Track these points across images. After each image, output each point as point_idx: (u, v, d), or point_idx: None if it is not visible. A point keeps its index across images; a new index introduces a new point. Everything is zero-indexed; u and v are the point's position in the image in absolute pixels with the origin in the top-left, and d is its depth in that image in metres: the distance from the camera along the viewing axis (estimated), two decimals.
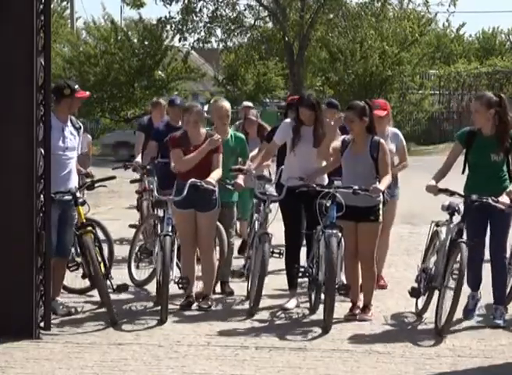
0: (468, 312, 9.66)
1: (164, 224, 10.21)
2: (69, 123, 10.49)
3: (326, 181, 10.76)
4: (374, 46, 43.04)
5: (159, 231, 10.84)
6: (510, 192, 9.16)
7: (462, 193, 9.49)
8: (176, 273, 10.81)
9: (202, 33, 45.15)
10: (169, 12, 43.33)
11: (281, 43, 42.92)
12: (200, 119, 10.79)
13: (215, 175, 10.43)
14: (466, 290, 9.65)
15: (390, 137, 11.59)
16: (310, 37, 42.37)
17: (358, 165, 10.18)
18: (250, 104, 16.23)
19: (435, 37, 47.44)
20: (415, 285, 9.54)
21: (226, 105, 11.68)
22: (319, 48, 43.86)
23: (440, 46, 47.99)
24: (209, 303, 10.45)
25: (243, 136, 12.03)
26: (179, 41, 44.76)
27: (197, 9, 43.68)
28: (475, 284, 9.74)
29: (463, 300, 9.48)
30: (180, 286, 10.59)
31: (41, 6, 9.43)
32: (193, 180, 10.12)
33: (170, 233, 9.97)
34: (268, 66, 43.60)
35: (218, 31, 45.20)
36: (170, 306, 10.08)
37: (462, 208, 9.53)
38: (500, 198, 9.02)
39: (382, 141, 10.34)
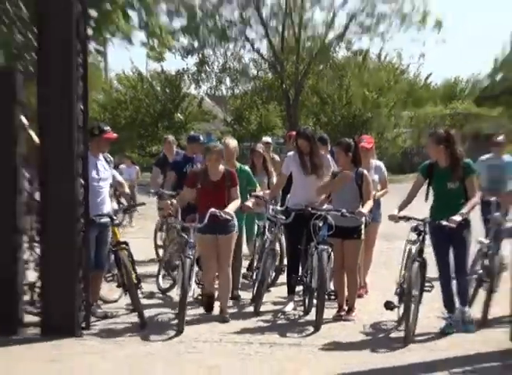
0: (444, 330, 9.35)
1: (186, 247, 10.01)
2: (101, 158, 10.57)
3: (320, 202, 10.62)
4: (356, 92, 43.02)
5: (183, 253, 10.44)
6: (462, 214, 8.97)
7: (418, 218, 9.35)
8: (196, 290, 10.72)
9: (213, 82, 45.31)
10: (186, 65, 43.54)
11: (279, 90, 42.90)
12: (220, 158, 10.19)
13: (233, 206, 10.06)
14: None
15: (374, 169, 11.54)
16: (303, 85, 42.34)
17: (345, 192, 10.17)
18: (267, 139, 15.94)
19: (407, 84, 47.25)
20: (393, 298, 9.34)
21: (232, 143, 11.32)
22: (311, 94, 43.82)
23: (411, 92, 47.90)
24: (226, 316, 10.06)
25: (247, 168, 11.63)
26: (195, 88, 44.92)
27: (210, 62, 43.81)
28: (448, 304, 9.48)
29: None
30: (198, 302, 10.61)
31: (80, 61, 9.57)
32: (213, 210, 9.76)
33: (191, 256, 9.82)
34: (268, 109, 43.55)
35: (227, 80, 45.38)
36: (191, 312, 10.10)
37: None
38: (451, 218, 8.91)
39: (365, 172, 10.35)
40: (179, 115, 41.26)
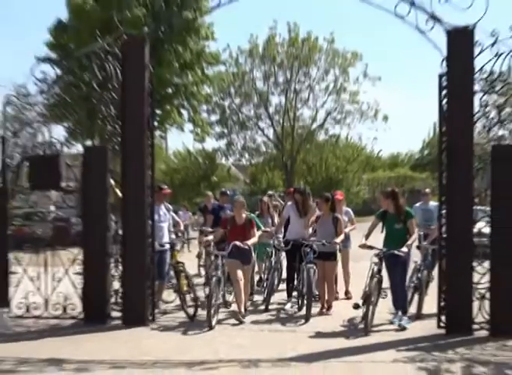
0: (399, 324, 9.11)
1: (215, 269, 9.87)
2: (162, 207, 10.58)
3: (309, 237, 10.72)
4: (332, 163, 43.22)
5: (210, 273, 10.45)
6: (407, 245, 9.06)
7: (379, 248, 9.33)
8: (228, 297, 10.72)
9: (237, 156, 45.52)
10: (219, 144, 43.72)
11: (281, 161, 43.05)
12: (242, 207, 10.07)
13: (251, 241, 9.81)
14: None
15: (345, 213, 11.68)
16: (296, 158, 42.55)
17: (326, 229, 10.31)
18: (270, 192, 15.78)
19: (365, 157, 47.34)
20: (359, 301, 9.17)
21: (240, 199, 10.63)
22: (302, 164, 43.97)
23: (368, 162, 47.96)
24: (242, 317, 9.56)
25: (253, 215, 11.11)
26: (225, 160, 45.13)
27: (234, 143, 44.02)
28: (395, 304, 9.39)
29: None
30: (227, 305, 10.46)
31: (149, 143, 9.63)
32: (236, 242, 9.59)
33: (219, 275, 9.61)
34: (273, 174, 43.67)
35: (246, 155, 45.56)
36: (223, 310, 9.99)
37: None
38: (401, 249, 9.00)
39: (339, 216, 10.55)
40: (214, 177, 41.40)
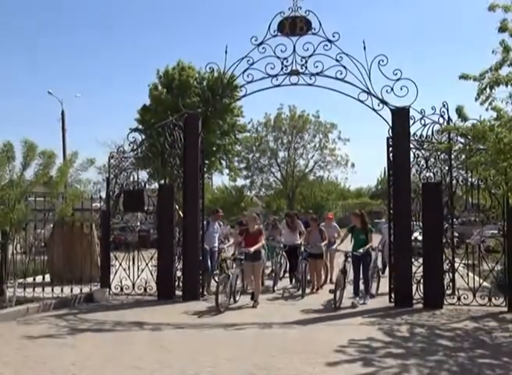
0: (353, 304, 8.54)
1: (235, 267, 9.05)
2: (216, 223, 10.40)
3: (298, 242, 10.48)
4: (318, 194, 43.00)
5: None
6: (363, 249, 8.57)
7: (345, 250, 8.99)
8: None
9: (257, 190, 45.35)
10: (246, 182, 43.50)
11: (285, 193, 42.93)
12: (254, 221, 8.99)
13: (257, 246, 8.56)
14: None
15: (333, 227, 11.13)
16: (295, 191, 42.48)
17: (315, 237, 10.00)
18: (274, 217, 14.27)
19: (340, 190, 47.11)
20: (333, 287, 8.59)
21: (252, 215, 9.86)
22: (299, 195, 43.73)
23: (342, 194, 47.63)
24: (257, 304, 8.59)
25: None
26: (249, 192, 44.87)
27: (255, 182, 43.84)
28: (355, 291, 8.74)
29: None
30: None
31: (200, 182, 9.63)
32: (244, 249, 8.53)
33: (232, 273, 8.76)
34: (280, 201, 43.41)
35: (263, 189, 45.31)
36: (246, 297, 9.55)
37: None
38: (358, 250, 8.57)
39: (323, 228, 10.29)
40: (242, 204, 41.22)
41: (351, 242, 9.02)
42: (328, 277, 11.00)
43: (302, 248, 10.13)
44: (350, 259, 8.84)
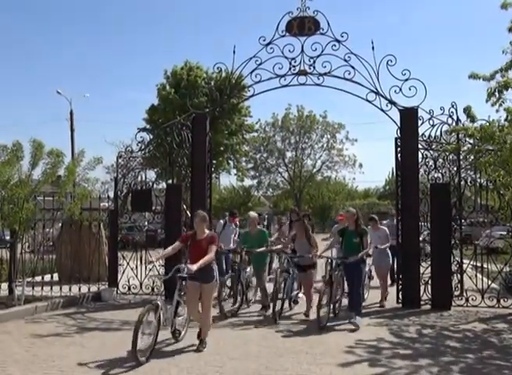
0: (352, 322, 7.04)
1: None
2: (233, 224, 10.32)
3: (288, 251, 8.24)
4: (325, 194, 42.90)
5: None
6: (357, 256, 7.03)
7: (330, 256, 7.91)
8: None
9: (264, 190, 45.26)
10: (253, 182, 43.42)
11: (292, 193, 42.86)
12: (203, 222, 5.96)
13: (202, 261, 5.56)
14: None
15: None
16: (303, 191, 42.40)
17: (302, 245, 7.74)
18: (283, 218, 13.61)
19: (348, 191, 47.00)
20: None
21: (252, 214, 8.55)
22: (306, 195, 43.64)
23: (350, 194, 47.48)
24: (204, 346, 5.84)
25: (264, 229, 9.09)
26: (256, 193, 44.73)
27: (263, 182, 43.73)
28: (354, 308, 7.23)
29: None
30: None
31: (208, 182, 9.64)
32: (183, 265, 5.70)
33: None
34: (288, 201, 43.32)
35: (270, 189, 45.24)
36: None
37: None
38: (350, 258, 7.05)
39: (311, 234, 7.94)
40: (249, 204, 41.14)
41: (342, 247, 7.61)
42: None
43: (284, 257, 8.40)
44: (340, 267, 7.34)
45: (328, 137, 41.72)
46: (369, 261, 8.49)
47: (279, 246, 8.67)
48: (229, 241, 9.95)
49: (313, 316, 7.31)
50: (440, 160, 8.72)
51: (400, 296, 8.62)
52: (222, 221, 10.52)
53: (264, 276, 8.22)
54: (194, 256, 5.74)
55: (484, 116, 7.91)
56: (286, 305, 7.82)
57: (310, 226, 8.69)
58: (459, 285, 8.62)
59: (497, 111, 7.50)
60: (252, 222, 8.36)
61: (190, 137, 9.43)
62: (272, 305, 7.44)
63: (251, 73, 9.01)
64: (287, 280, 7.53)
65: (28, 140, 8.25)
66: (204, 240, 5.87)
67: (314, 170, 42.97)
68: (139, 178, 9.57)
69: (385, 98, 8.73)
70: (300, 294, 8.34)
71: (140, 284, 9.27)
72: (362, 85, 8.75)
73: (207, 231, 6.00)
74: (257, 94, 9.30)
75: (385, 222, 11.37)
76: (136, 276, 9.24)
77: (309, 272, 7.78)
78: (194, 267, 5.51)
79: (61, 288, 8.96)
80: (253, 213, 8.75)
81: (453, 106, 8.60)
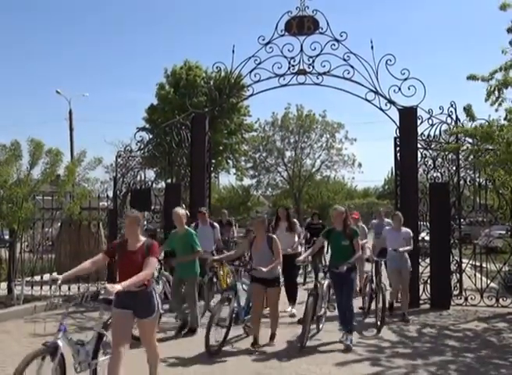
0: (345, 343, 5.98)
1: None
2: (208, 225, 8.51)
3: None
4: (325, 194, 42.89)
5: None
6: (347, 263, 5.77)
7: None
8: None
9: (264, 190, 45.19)
10: (252, 182, 43.29)
11: (292, 193, 42.84)
12: (133, 224, 4.14)
13: (130, 282, 3.81)
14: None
15: (361, 228, 8.61)
16: (302, 191, 42.35)
17: (261, 253, 5.90)
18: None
19: (346, 190, 46.98)
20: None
21: (179, 211, 6.50)
22: (306, 194, 43.63)
23: (349, 193, 47.50)
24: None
25: (193, 231, 6.58)
26: (255, 192, 44.65)
27: (262, 181, 43.64)
28: (345, 323, 6.11)
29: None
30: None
31: (207, 181, 9.63)
32: (110, 285, 3.83)
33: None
34: (287, 201, 43.19)
35: (270, 189, 45.18)
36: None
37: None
38: (339, 267, 5.78)
39: (274, 237, 6.03)
40: (249, 203, 41.13)
41: (327, 252, 6.69)
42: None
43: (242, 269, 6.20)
44: (327, 277, 6.38)
45: (328, 136, 41.73)
46: (367, 267, 7.80)
47: (226, 254, 6.57)
48: (210, 243, 8.19)
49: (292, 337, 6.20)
50: (439, 159, 8.73)
51: (400, 295, 8.61)
52: (192, 224, 8.26)
53: (193, 290, 6.39)
54: (124, 274, 4.00)
55: (483, 116, 7.94)
56: (239, 331, 6.22)
57: (322, 226, 8.00)
58: (458, 284, 8.63)
59: (496, 110, 7.52)
60: (178, 220, 6.42)
61: (189, 137, 9.43)
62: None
63: (250, 72, 9.01)
64: (231, 300, 5.80)
65: (27, 139, 8.25)
66: (138, 251, 4.08)
67: (314, 170, 42.96)
68: (138, 177, 9.58)
69: (385, 98, 8.74)
70: (289, 308, 7.41)
71: None
72: (361, 84, 8.75)
73: (143, 238, 4.18)
74: (256, 94, 9.31)
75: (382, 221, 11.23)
76: None
77: (270, 289, 5.87)
78: (117, 288, 3.71)
79: (60, 288, 8.88)
80: (180, 210, 6.60)
81: (452, 106, 8.62)
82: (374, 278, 7.29)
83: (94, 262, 4.22)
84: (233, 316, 5.85)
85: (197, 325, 6.47)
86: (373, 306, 7.14)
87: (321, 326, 6.70)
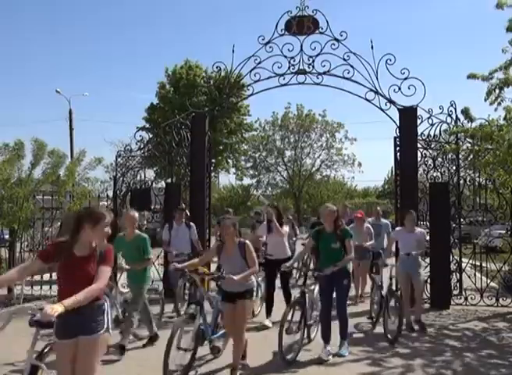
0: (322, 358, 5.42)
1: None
2: (183, 224, 8.07)
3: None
4: (325, 193, 42.90)
5: None
6: (335, 265, 5.25)
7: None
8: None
9: (263, 189, 45.26)
10: (252, 182, 43.38)
11: (291, 192, 42.83)
12: (98, 226, 3.16)
13: (76, 298, 2.83)
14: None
15: (364, 231, 8.49)
16: (301, 190, 42.34)
17: (233, 262, 4.83)
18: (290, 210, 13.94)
19: (347, 190, 47.01)
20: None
21: (131, 213, 5.90)
22: (305, 194, 43.64)
23: (349, 193, 47.49)
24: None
25: (145, 235, 5.75)
26: (255, 191, 44.74)
27: (262, 181, 43.64)
28: (326, 337, 5.57)
29: None
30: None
31: (207, 181, 9.63)
32: (49, 307, 2.73)
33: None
34: (287, 200, 43.31)
35: (269, 188, 45.24)
36: None
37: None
38: (325, 269, 5.32)
39: (247, 243, 4.84)
40: (248, 203, 41.15)
41: (319, 257, 5.87)
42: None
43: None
44: (315, 282, 5.94)
45: (328, 136, 41.78)
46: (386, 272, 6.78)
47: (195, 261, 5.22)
48: (186, 244, 7.80)
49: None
50: (439, 159, 8.73)
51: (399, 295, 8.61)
52: (167, 224, 8.07)
53: (139, 298, 5.73)
54: (69, 287, 3.03)
55: (482, 115, 7.95)
56: (206, 351, 5.16)
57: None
58: (458, 284, 8.62)
59: (496, 109, 7.52)
60: (130, 222, 5.81)
61: (189, 136, 9.43)
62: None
63: (250, 72, 9.01)
64: (196, 316, 4.78)
65: (29, 139, 8.33)
66: (89, 257, 3.15)
67: (314, 169, 43.02)
68: (138, 177, 9.57)
69: (385, 97, 8.74)
70: (267, 322, 6.68)
71: None
72: (361, 84, 8.75)
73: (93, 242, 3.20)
74: (256, 93, 9.30)
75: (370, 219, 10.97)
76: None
77: (240, 302, 4.79)
78: (58, 310, 2.74)
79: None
80: (133, 212, 5.99)
81: (452, 105, 8.62)
82: (383, 284, 6.73)
83: (25, 269, 3.18)
84: (199, 335, 4.78)
85: (153, 332, 5.96)
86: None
87: (312, 335, 6.03)
